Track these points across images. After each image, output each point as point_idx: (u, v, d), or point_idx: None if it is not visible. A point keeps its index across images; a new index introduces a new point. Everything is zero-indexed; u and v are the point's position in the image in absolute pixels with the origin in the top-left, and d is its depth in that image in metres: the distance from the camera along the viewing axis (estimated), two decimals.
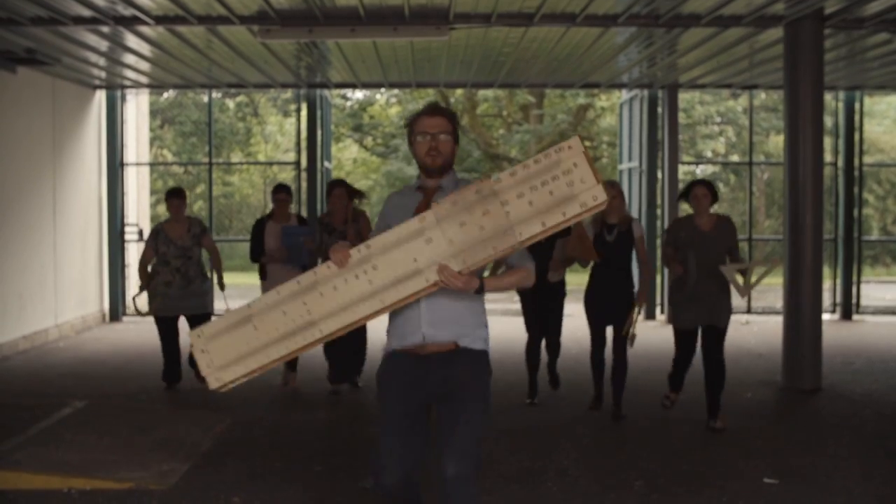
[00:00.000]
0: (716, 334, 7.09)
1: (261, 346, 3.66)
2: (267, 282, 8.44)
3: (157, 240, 8.60)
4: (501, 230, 3.49)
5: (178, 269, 8.49)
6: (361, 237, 7.60)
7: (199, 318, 8.40)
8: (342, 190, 8.10)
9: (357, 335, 8.24)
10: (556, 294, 7.97)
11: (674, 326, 7.31)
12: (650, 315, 14.10)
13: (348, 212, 8.18)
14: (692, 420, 7.33)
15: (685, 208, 10.58)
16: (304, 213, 14.55)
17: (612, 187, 7.30)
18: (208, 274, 8.93)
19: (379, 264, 3.56)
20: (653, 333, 12.16)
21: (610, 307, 7.46)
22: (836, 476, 5.99)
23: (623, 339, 7.43)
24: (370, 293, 3.58)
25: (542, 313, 8.02)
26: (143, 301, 9.14)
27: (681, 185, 13.54)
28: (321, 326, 3.63)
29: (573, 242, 7.40)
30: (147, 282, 8.56)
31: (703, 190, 7.16)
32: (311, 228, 8.44)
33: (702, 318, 7.09)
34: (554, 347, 8.20)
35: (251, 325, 3.67)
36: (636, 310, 7.40)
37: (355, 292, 3.59)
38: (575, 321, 10.37)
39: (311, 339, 3.64)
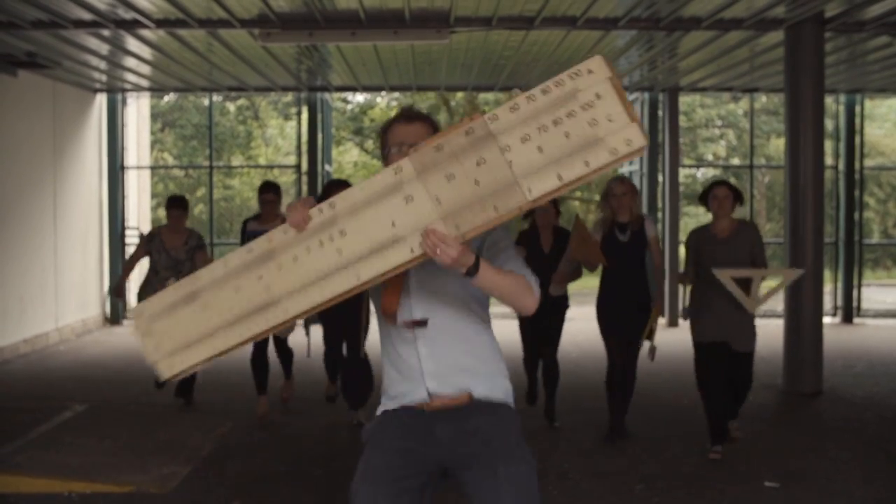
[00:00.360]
0: (740, 358, 6.39)
1: (215, 329, 2.96)
2: None
3: (152, 244, 8.00)
4: (503, 185, 2.63)
5: (165, 280, 7.69)
6: None
7: None
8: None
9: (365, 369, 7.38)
10: (558, 309, 7.26)
11: (694, 341, 6.46)
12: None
13: None
14: (692, 423, 7.32)
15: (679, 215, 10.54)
16: None
17: (623, 183, 6.70)
18: None
19: (347, 229, 2.78)
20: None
21: (627, 317, 6.68)
22: (837, 479, 5.98)
23: (633, 349, 6.74)
24: (341, 265, 2.80)
25: (540, 330, 7.30)
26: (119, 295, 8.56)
27: (682, 189, 13.54)
28: (286, 306, 2.87)
29: (575, 244, 6.58)
30: (125, 281, 8.10)
31: (725, 190, 6.37)
32: None
33: (723, 334, 6.32)
34: (551, 371, 7.36)
35: (199, 303, 2.96)
36: (654, 319, 6.67)
37: (322, 264, 2.82)
38: (576, 325, 10.36)
39: (276, 320, 2.89)
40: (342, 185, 6.74)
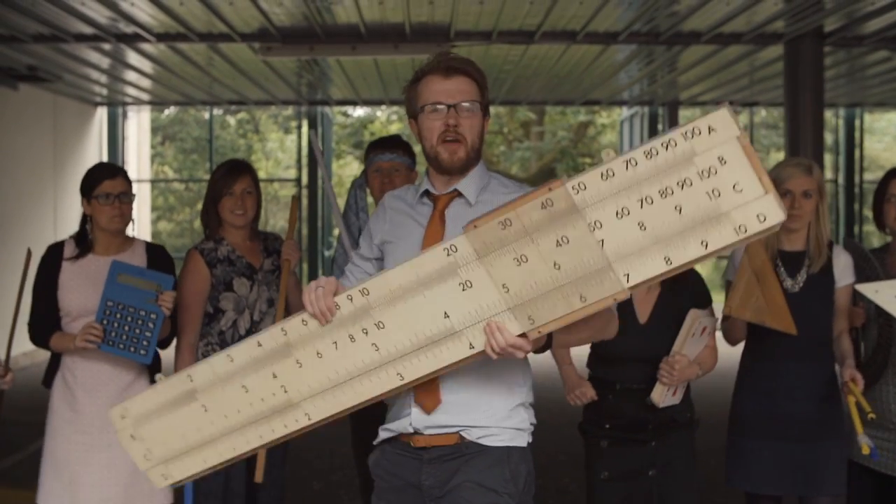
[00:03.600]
0: None
1: (219, 434, 2.50)
2: (51, 408, 3.87)
3: None
4: (592, 269, 2.13)
5: None
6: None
7: None
8: (249, 180, 3.88)
9: None
10: (677, 445, 3.52)
11: (849, 460, 3.63)
12: None
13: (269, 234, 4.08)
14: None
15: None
16: (304, 232, 14.51)
17: (810, 175, 3.49)
18: None
19: (386, 320, 2.30)
20: None
21: (799, 449, 3.51)
22: None
23: None
24: (378, 363, 2.33)
25: (639, 489, 3.43)
26: None
27: None
28: (307, 409, 2.42)
29: (742, 294, 3.39)
30: None
31: None
32: (167, 277, 3.62)
33: None
34: None
35: (198, 405, 2.50)
36: (859, 394, 3.37)
37: (354, 361, 2.35)
38: None
39: (296, 426, 2.44)
40: (246, 169, 3.92)
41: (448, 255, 2.23)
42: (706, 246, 2.06)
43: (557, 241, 2.14)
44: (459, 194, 2.54)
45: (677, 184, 2.05)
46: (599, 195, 2.10)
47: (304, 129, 14.66)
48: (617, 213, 2.09)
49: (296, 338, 2.39)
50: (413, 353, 2.30)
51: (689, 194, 2.05)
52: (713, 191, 2.03)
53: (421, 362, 2.31)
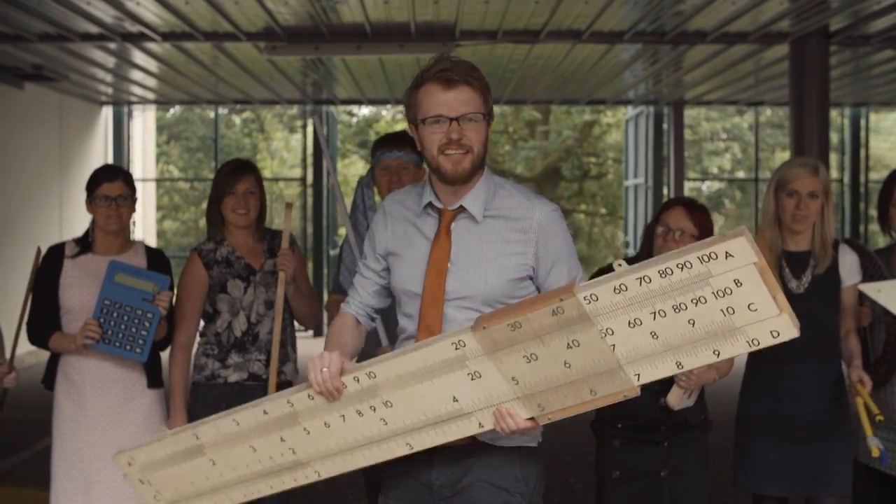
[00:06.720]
0: None
1: (230, 483, 2.57)
2: (57, 408, 3.85)
3: None
4: (603, 369, 2.17)
5: None
6: (301, 293, 3.90)
7: None
8: (252, 180, 3.85)
9: None
10: (689, 446, 3.49)
11: (854, 461, 3.65)
12: None
13: (266, 234, 3.98)
14: None
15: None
16: (308, 231, 14.54)
17: (816, 175, 3.52)
18: None
19: (394, 400, 2.34)
20: None
21: (805, 449, 3.55)
22: None
23: None
24: (387, 435, 2.39)
25: (648, 491, 3.43)
26: None
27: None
28: (317, 468, 2.50)
29: None
30: None
31: None
32: (164, 277, 3.68)
33: None
34: None
35: (206, 458, 2.55)
36: (866, 396, 3.40)
37: (363, 433, 2.40)
38: None
39: (306, 480, 2.54)
40: (249, 168, 3.90)
41: (456, 349, 2.24)
42: (718, 354, 2.09)
43: (568, 344, 2.16)
44: (465, 212, 2.52)
45: (691, 301, 2.07)
46: (612, 307, 2.11)
47: (309, 128, 14.68)
48: (629, 323, 2.11)
49: (302, 409, 2.42)
50: (422, 428, 2.35)
51: (702, 310, 2.07)
52: (728, 308, 2.05)
53: (430, 436, 2.36)
